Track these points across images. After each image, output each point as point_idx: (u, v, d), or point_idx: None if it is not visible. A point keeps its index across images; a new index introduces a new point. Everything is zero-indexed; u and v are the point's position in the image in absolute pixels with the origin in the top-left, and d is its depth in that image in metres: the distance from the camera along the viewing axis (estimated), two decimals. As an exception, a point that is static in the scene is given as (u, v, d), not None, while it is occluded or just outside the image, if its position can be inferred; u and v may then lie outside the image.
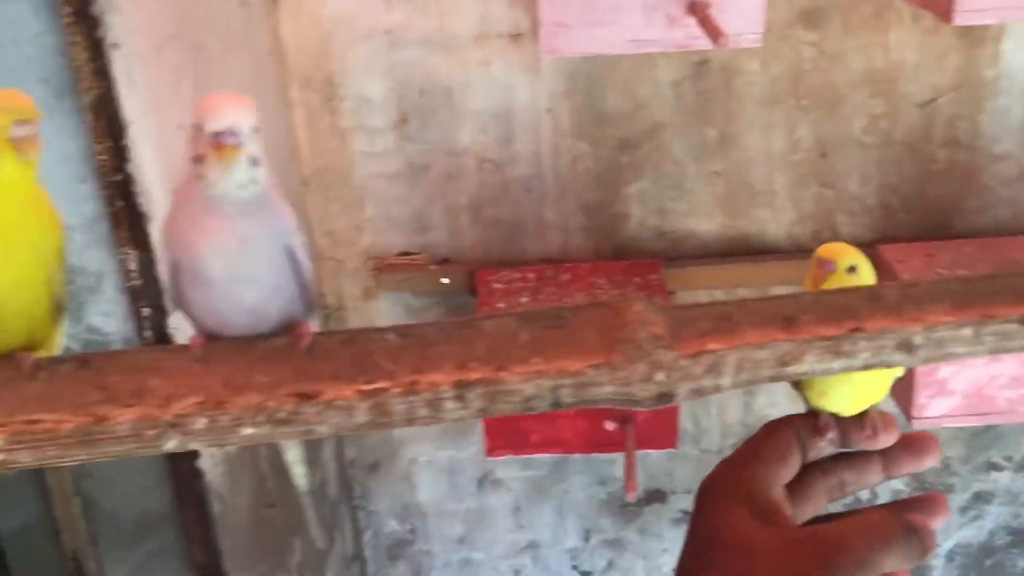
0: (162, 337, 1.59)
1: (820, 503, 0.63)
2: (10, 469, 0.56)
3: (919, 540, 0.56)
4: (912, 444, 0.64)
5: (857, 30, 2.00)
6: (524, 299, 2.06)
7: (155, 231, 1.52)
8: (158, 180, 1.50)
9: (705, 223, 2.17)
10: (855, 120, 2.07)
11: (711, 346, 0.59)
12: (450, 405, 0.58)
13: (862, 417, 0.64)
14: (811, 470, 0.63)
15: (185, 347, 0.60)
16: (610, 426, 2.00)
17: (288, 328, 0.61)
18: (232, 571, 1.81)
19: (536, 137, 2.12)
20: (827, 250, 0.84)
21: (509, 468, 2.45)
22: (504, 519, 2.52)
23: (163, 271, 0.65)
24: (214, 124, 0.58)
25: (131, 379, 0.58)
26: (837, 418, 0.65)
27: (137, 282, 1.53)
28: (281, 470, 2.04)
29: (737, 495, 0.58)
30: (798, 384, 0.68)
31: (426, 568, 2.60)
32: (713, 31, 1.49)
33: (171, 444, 0.57)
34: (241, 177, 0.59)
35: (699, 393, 0.59)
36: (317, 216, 2.22)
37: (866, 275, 0.70)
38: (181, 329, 1.61)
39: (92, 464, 1.71)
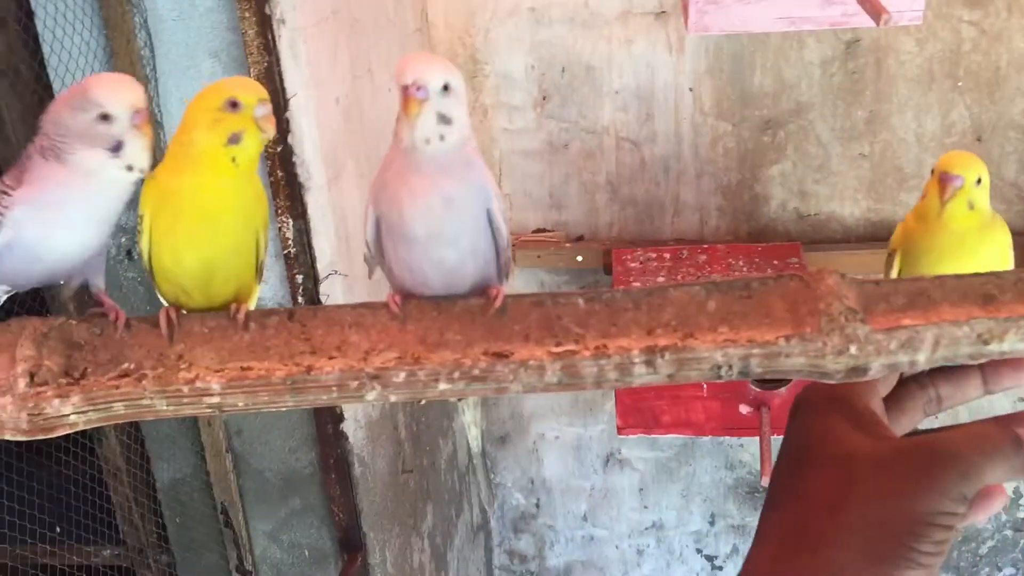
0: (314, 304, 1.65)
1: (916, 417, 0.61)
2: (225, 411, 0.60)
3: None
4: (1016, 361, 0.62)
5: (1023, 9, 1.91)
6: (660, 278, 2.05)
7: (312, 201, 1.58)
8: (316, 152, 1.56)
9: (848, 207, 2.12)
10: (1015, 103, 1.98)
11: (907, 321, 0.58)
12: (639, 370, 0.59)
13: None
14: (908, 383, 0.61)
15: (383, 304, 0.62)
16: (745, 410, 1.97)
17: (481, 290, 0.63)
18: (370, 532, 1.87)
19: (676, 116, 2.10)
20: (952, 163, 0.83)
21: (636, 448, 2.45)
22: (629, 498, 2.52)
23: (367, 228, 0.68)
24: (403, 79, 0.61)
25: (333, 333, 0.61)
26: None
27: (293, 249, 1.59)
28: (418, 438, 2.10)
29: (835, 407, 0.56)
30: None
31: (549, 542, 2.63)
32: (875, 9, 1.44)
33: (372, 395, 0.59)
34: (426, 131, 0.61)
35: (893, 368, 0.58)
36: (455, 191, 2.26)
37: (987, 184, 0.74)
38: (331, 296, 1.66)
39: (243, 423, 1.80)
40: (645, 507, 2.53)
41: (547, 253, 2.22)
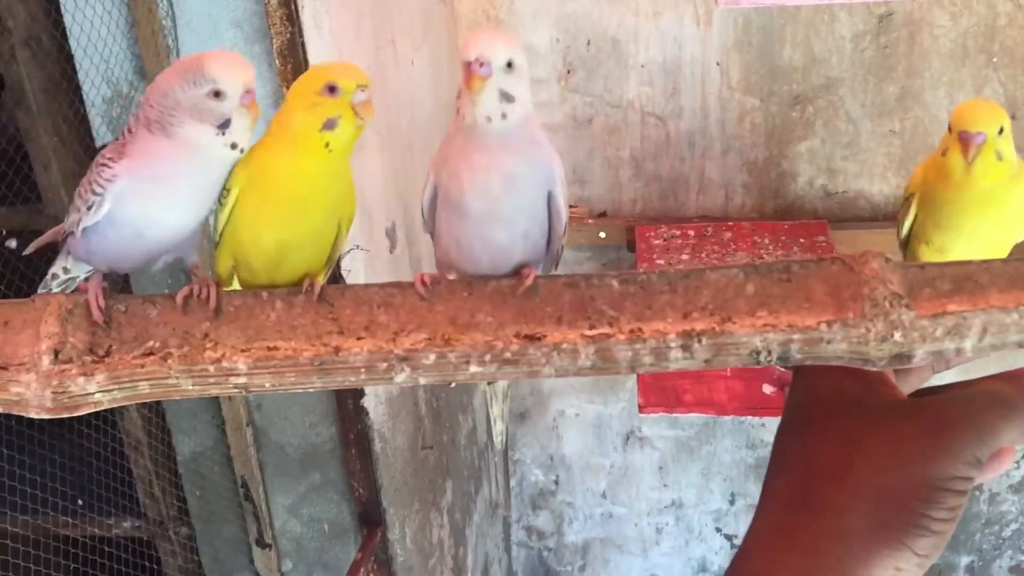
0: (335, 278, 1.64)
1: (924, 375, 0.58)
2: (251, 392, 0.59)
3: None
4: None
5: (1061, -18, 1.86)
6: (684, 256, 2.03)
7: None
8: (338, 125, 1.54)
9: (878, 184, 2.08)
10: (1051, 81, 1.94)
11: (953, 307, 0.56)
12: (675, 355, 0.58)
13: None
14: None
15: (412, 284, 0.61)
16: (768, 390, 1.95)
17: (515, 271, 0.62)
18: (389, 507, 1.87)
19: (703, 91, 2.07)
20: (970, 118, 0.79)
21: (656, 426, 2.44)
22: (649, 476, 2.51)
23: (425, 196, 0.67)
24: (465, 54, 0.59)
25: (362, 313, 0.60)
26: None
27: (314, 224, 1.58)
28: (438, 414, 2.09)
29: (841, 366, 0.55)
30: (908, 243, 0.68)
31: (568, 519, 2.63)
32: (911, -19, 1.41)
33: (401, 377, 0.58)
34: (488, 108, 0.60)
35: (938, 356, 0.56)
36: (478, 166, 2.24)
37: (1010, 132, 0.71)
38: (353, 271, 1.65)
39: (264, 397, 1.79)
40: (665, 485, 2.52)
41: (569, 230, 2.19)
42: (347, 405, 1.76)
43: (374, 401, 1.78)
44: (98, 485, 1.80)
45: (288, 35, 1.42)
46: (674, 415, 2.29)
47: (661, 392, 2.03)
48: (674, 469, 2.49)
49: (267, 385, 0.58)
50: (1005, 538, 2.43)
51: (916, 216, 0.82)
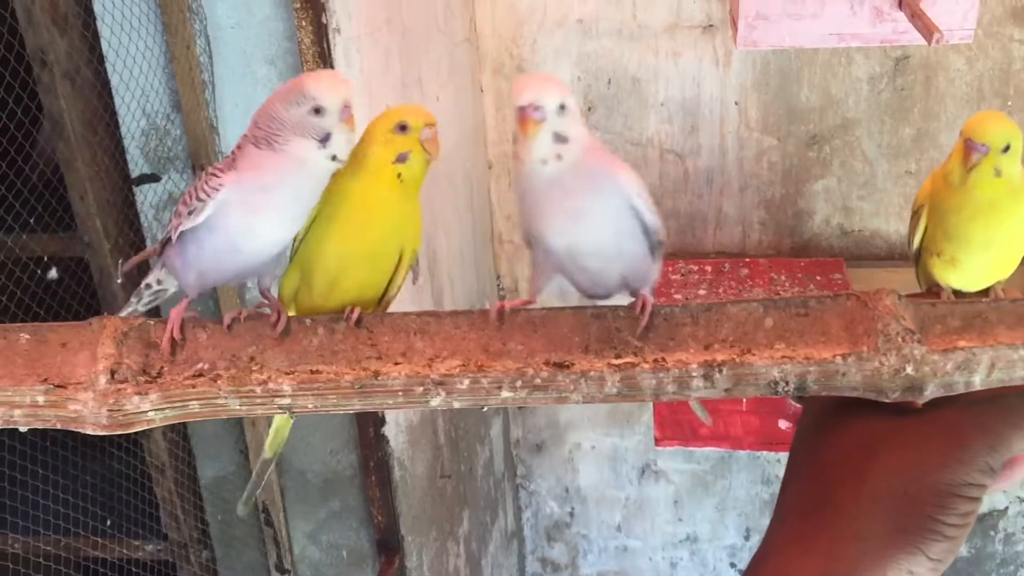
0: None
1: None
2: (295, 413, 0.62)
3: None
4: None
5: (1075, 28, 1.90)
6: (701, 291, 2.06)
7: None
8: (367, 158, 1.58)
9: (894, 223, 2.11)
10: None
11: (963, 343, 0.59)
12: (697, 384, 0.61)
13: (984, 293, 0.65)
14: None
15: (448, 313, 0.64)
16: (784, 425, 1.97)
17: (631, 294, 0.65)
18: (408, 535, 1.89)
19: (721, 130, 2.11)
20: (978, 128, 0.79)
21: (671, 460, 2.46)
22: (664, 510, 2.52)
23: (521, 228, 0.72)
24: (518, 99, 0.63)
25: (399, 340, 0.63)
26: (957, 293, 0.66)
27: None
28: (456, 443, 2.12)
29: None
30: (920, 257, 0.69)
31: (583, 551, 2.64)
32: (927, 27, 1.45)
33: (437, 401, 0.61)
34: (543, 152, 0.64)
35: (948, 389, 0.59)
36: (498, 199, 2.28)
37: (1018, 149, 0.70)
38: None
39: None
40: (680, 519, 2.53)
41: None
42: (368, 433, 1.79)
43: (395, 429, 1.81)
44: (126, 506, 1.83)
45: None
46: (690, 449, 2.31)
47: (677, 426, 2.05)
48: (689, 503, 2.50)
49: (310, 406, 0.61)
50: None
51: (926, 229, 0.82)
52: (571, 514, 2.59)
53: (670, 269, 2.13)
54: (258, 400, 0.61)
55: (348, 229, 0.70)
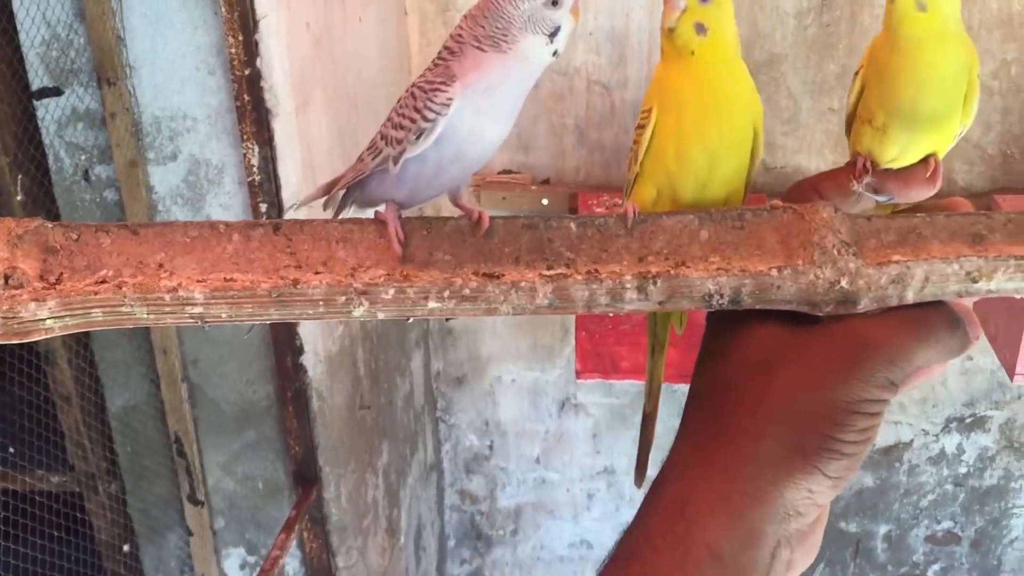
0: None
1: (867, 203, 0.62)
2: (207, 323, 0.58)
3: (964, 334, 0.53)
4: (944, 207, 0.62)
5: (997, -32, 1.92)
6: (625, 225, 2.05)
7: (279, 128, 1.55)
8: (285, 77, 1.52)
9: (815, 160, 2.13)
10: (984, 64, 1.99)
11: (897, 257, 0.58)
12: (631, 295, 0.59)
13: (911, 167, 0.66)
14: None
15: (372, 221, 0.61)
16: (703, 357, 1.99)
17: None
18: (325, 466, 1.87)
19: (650, 61, 2.08)
20: None
21: (591, 394, 2.47)
22: (582, 443, 2.55)
23: None
24: None
25: (320, 248, 0.60)
26: (875, 165, 0.66)
27: (257, 177, 1.56)
28: (376, 375, 2.09)
29: None
30: (852, 124, 0.70)
31: (501, 483, 2.65)
32: (857, -43, 1.44)
33: (360, 311, 0.58)
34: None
35: (881, 302, 0.58)
36: (422, 128, 2.23)
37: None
38: (296, 227, 1.63)
39: (200, 352, 1.77)
40: (598, 452, 2.55)
41: (512, 195, 2.20)
42: (286, 362, 1.75)
43: (313, 359, 1.77)
44: (29, 433, 1.76)
45: (236, -18, 1.40)
46: (610, 382, 2.33)
47: (598, 358, 2.06)
48: (608, 436, 2.53)
49: (224, 316, 0.58)
50: (922, 508, 2.52)
51: (862, 88, 0.76)
52: (490, 447, 2.60)
53: (594, 202, 2.11)
54: (167, 308, 0.57)
55: (707, 121, 0.67)
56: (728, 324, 0.57)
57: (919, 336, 0.53)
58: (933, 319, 0.54)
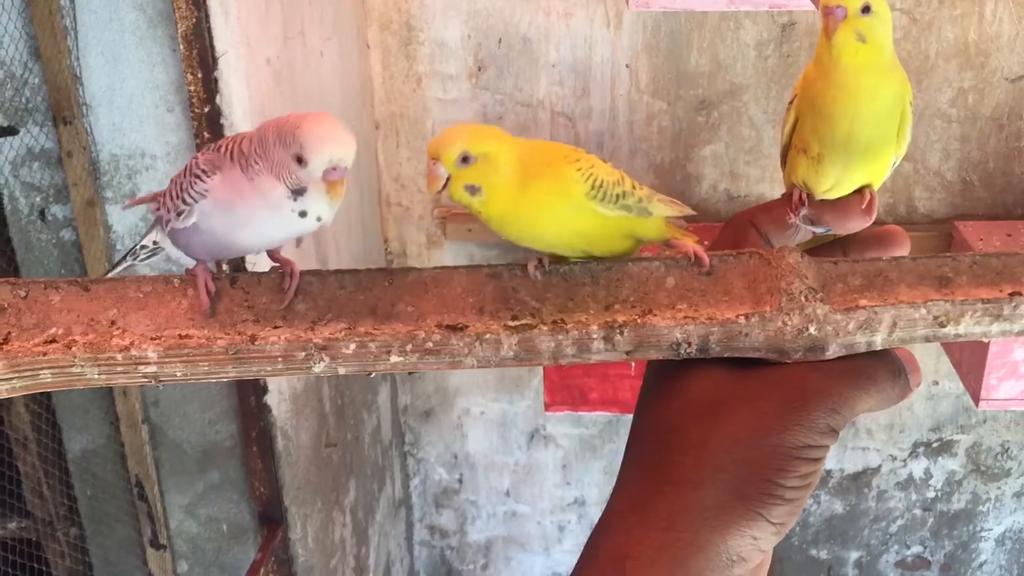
0: (238, 269, 1.60)
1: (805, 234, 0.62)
2: (162, 382, 0.56)
3: (905, 382, 0.54)
4: (881, 236, 0.63)
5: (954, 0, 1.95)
6: (591, 256, 2.05)
7: (239, 165, 1.52)
8: (245, 114, 1.50)
9: (778, 189, 2.14)
10: (942, 92, 2.02)
11: (864, 302, 0.58)
12: (598, 346, 0.58)
13: (847, 198, 0.67)
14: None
15: (330, 272, 0.59)
16: (671, 388, 1.99)
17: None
18: (292, 506, 1.83)
19: (612, 92, 2.09)
20: None
21: (560, 425, 2.46)
22: (552, 475, 2.53)
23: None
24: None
25: (278, 301, 0.58)
26: (811, 197, 0.67)
27: (218, 215, 1.53)
28: (343, 411, 2.06)
29: None
30: (787, 154, 0.70)
31: (471, 517, 2.63)
32: (815, -9, 1.45)
33: (320, 367, 0.57)
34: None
35: (850, 349, 0.58)
36: (386, 161, 2.22)
37: (883, 15, 0.67)
38: (259, 264, 1.61)
39: (160, 394, 1.74)
40: (568, 483, 2.54)
41: (478, 227, 2.19)
42: (249, 402, 1.72)
43: (277, 398, 1.75)
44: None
45: (194, 20, 1.38)
46: (578, 414, 2.31)
47: (567, 391, 2.05)
48: (577, 467, 2.51)
49: (179, 375, 0.56)
50: (892, 533, 2.52)
51: (796, 118, 0.76)
52: (460, 480, 2.57)
53: (560, 233, 2.11)
54: (119, 368, 0.55)
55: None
56: (671, 365, 0.56)
57: (861, 385, 0.53)
58: (876, 369, 0.54)
